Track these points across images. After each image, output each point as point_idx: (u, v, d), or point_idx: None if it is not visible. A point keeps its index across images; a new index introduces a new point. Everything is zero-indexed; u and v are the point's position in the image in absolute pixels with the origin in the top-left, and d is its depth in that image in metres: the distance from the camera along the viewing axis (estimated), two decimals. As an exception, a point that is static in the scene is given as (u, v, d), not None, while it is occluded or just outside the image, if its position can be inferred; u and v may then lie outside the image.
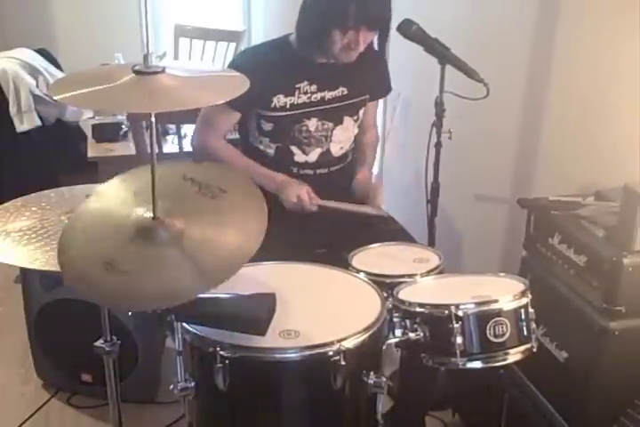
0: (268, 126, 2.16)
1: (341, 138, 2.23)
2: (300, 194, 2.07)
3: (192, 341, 1.49)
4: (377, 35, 2.08)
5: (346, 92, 2.18)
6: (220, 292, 1.55)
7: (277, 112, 2.13)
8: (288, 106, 2.12)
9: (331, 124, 2.19)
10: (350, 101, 2.20)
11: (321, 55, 2.11)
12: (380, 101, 2.49)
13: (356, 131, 2.28)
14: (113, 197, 1.49)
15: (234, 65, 2.19)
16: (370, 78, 2.24)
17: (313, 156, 2.21)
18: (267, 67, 2.08)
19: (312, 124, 2.16)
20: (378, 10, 2.01)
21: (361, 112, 2.25)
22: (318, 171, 2.23)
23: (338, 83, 2.16)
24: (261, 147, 2.21)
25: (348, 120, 2.22)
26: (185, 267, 1.33)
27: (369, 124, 2.37)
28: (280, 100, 2.11)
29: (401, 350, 1.76)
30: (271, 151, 2.20)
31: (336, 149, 2.24)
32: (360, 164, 2.33)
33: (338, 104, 2.18)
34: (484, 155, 2.73)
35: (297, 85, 2.12)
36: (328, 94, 2.16)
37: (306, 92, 2.13)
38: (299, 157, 2.20)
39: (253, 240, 1.34)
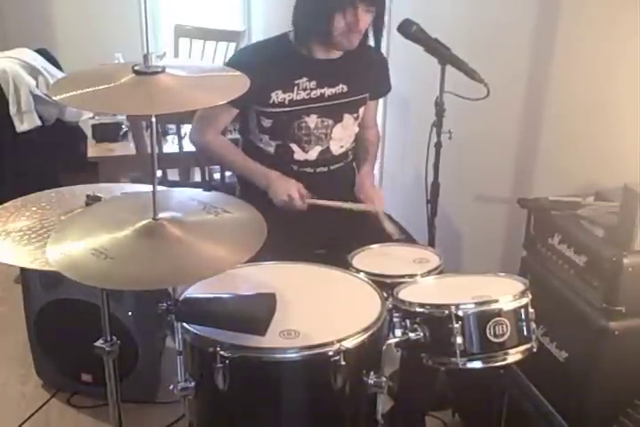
0: (267, 123, 2.16)
1: (341, 136, 2.22)
2: (290, 192, 2.07)
3: (192, 341, 1.49)
4: (373, 16, 2.04)
5: (346, 90, 2.18)
6: (220, 292, 1.56)
7: (276, 108, 2.12)
8: (287, 102, 2.12)
9: (330, 122, 2.18)
10: (350, 99, 2.20)
11: (320, 47, 2.10)
12: (380, 101, 2.48)
13: (357, 129, 2.28)
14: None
15: (232, 62, 2.19)
16: (370, 76, 2.23)
17: (313, 154, 2.20)
18: (265, 62, 2.07)
19: (312, 120, 2.16)
20: None
21: (361, 110, 2.25)
22: (318, 169, 2.22)
23: (338, 80, 2.16)
24: (261, 145, 2.21)
25: (348, 118, 2.21)
26: (164, 261, 1.35)
27: (370, 124, 2.37)
28: (279, 95, 2.11)
29: (401, 350, 1.76)
30: (271, 149, 2.20)
31: (336, 148, 2.24)
32: (363, 160, 2.32)
33: (338, 101, 2.17)
34: (484, 155, 2.73)
35: (296, 81, 2.11)
36: (328, 91, 2.15)
37: (305, 89, 2.13)
38: (298, 154, 2.19)
39: (240, 255, 1.37)
